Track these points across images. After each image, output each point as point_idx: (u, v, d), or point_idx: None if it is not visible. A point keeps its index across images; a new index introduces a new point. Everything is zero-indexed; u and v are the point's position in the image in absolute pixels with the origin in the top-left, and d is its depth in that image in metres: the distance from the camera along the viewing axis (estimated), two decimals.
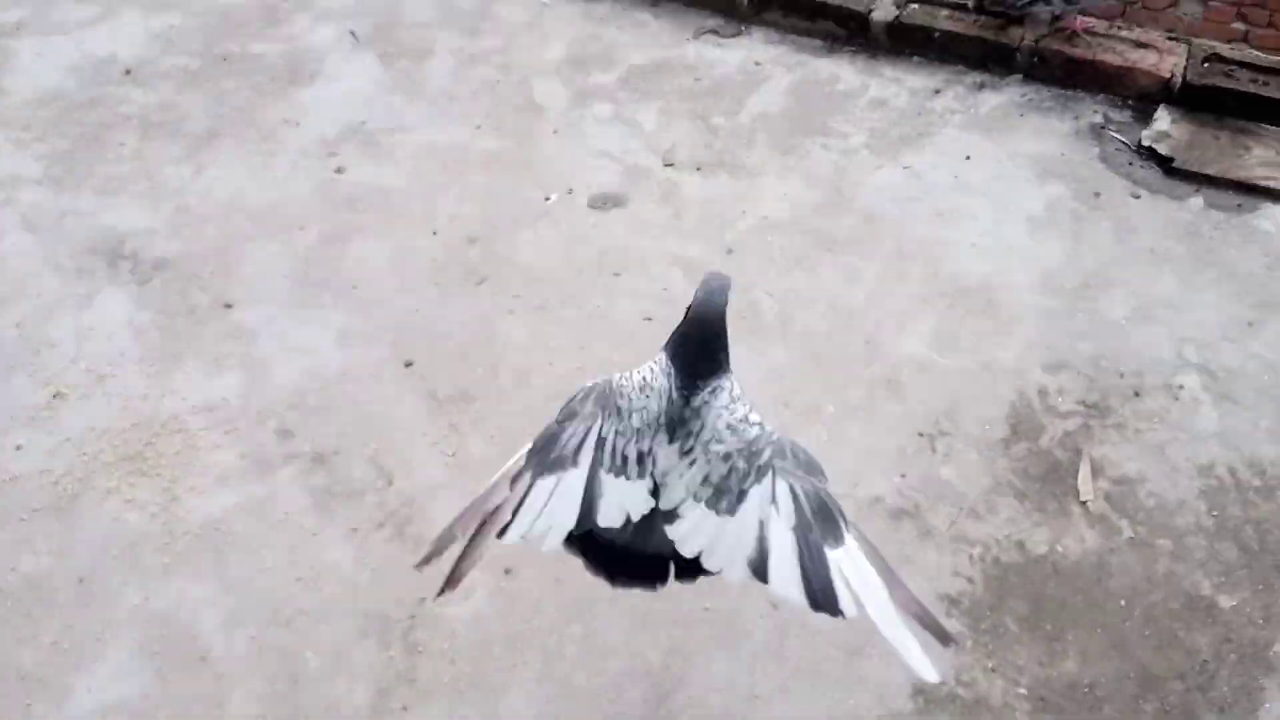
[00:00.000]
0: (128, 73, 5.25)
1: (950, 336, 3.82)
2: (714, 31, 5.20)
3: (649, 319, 3.97)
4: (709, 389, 2.18)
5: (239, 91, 5.08)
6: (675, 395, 2.18)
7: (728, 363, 2.25)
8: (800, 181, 4.43)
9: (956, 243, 4.14)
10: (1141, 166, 4.40)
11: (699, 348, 2.22)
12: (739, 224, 4.29)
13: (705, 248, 4.19)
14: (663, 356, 2.25)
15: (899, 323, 3.87)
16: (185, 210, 4.53)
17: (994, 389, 3.64)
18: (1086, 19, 4.79)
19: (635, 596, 3.07)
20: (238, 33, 5.41)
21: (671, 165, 4.55)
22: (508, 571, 3.19)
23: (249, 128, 4.88)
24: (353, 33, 5.36)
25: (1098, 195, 4.29)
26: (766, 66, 4.99)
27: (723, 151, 4.60)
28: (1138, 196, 4.28)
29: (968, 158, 4.48)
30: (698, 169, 4.54)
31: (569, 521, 2.14)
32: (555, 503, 2.13)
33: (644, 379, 2.22)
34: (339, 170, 4.66)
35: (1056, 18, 4.77)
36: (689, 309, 2.25)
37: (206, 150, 4.78)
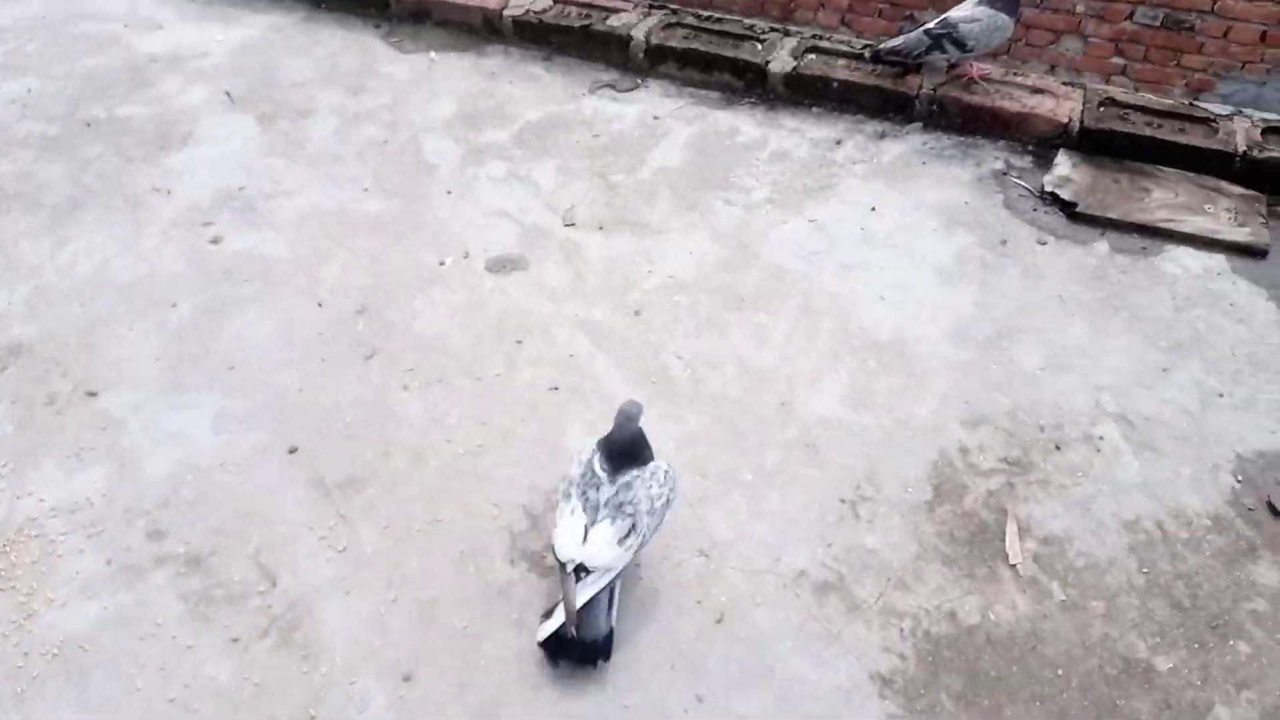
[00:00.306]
0: None
1: (864, 393, 3.69)
2: (610, 86, 5.07)
3: (554, 388, 3.75)
4: (634, 473, 2.94)
5: (104, 158, 4.74)
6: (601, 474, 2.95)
7: (650, 455, 3.02)
8: (705, 238, 4.29)
9: (865, 296, 4.04)
10: (1046, 212, 4.38)
11: (622, 453, 2.96)
12: (645, 284, 4.12)
13: (611, 310, 4.01)
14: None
15: (812, 381, 3.73)
16: (44, 289, 4.17)
17: (913, 447, 3.51)
18: (982, 66, 4.79)
19: (545, 699, 2.84)
20: (103, 96, 5.08)
21: (572, 225, 4.37)
22: (406, 679, 2.91)
23: (115, 197, 4.54)
24: (228, 93, 5.07)
25: (1004, 243, 4.24)
26: (665, 121, 4.87)
27: (624, 209, 4.44)
28: (1044, 243, 4.24)
29: (873, 209, 4.40)
30: (599, 228, 4.36)
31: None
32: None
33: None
34: (214, 240, 4.35)
35: (953, 65, 4.76)
36: (611, 433, 2.98)
37: (69, 222, 4.43)
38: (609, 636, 2.89)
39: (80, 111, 4.99)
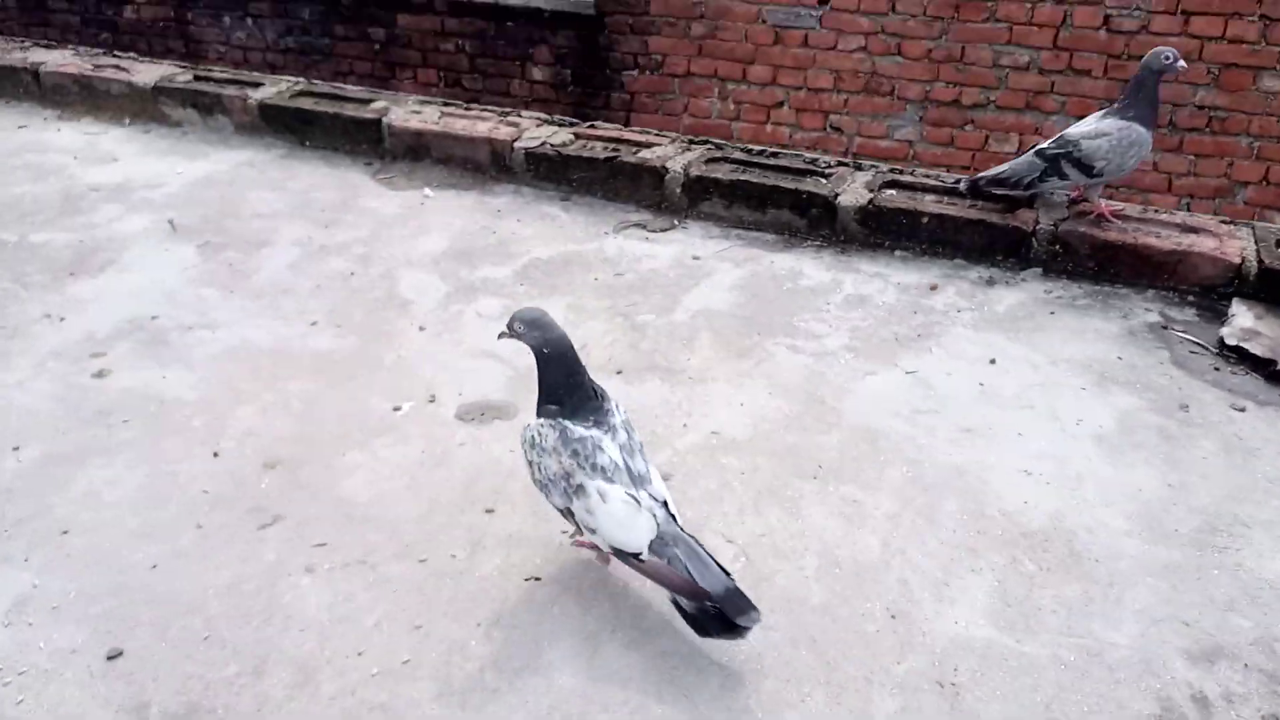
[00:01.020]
0: None
1: (1024, 606, 2.35)
2: (640, 225, 4.08)
3: (534, 579, 2.46)
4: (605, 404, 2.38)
5: None
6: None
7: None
8: (761, 388, 3.10)
9: (1001, 468, 2.78)
10: (1232, 372, 3.18)
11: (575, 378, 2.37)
12: (678, 441, 2.89)
13: None
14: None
15: (938, 585, 2.41)
16: None
17: (1118, 695, 2.13)
18: (1112, 203, 3.77)
19: None
20: (19, 221, 4.15)
21: None
22: None
23: None
24: (170, 221, 4.12)
25: (1185, 408, 3.01)
26: (708, 261, 3.82)
27: (652, 353, 3.30)
28: (1241, 409, 3.01)
29: (992, 361, 3.23)
30: (618, 372, 3.20)
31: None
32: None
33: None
34: (99, 374, 3.23)
35: (1074, 200, 3.74)
36: (541, 357, 2.35)
37: None
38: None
39: None
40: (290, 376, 3.21)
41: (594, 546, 2.41)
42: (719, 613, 2.18)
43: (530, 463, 2.38)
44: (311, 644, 2.31)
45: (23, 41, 5.78)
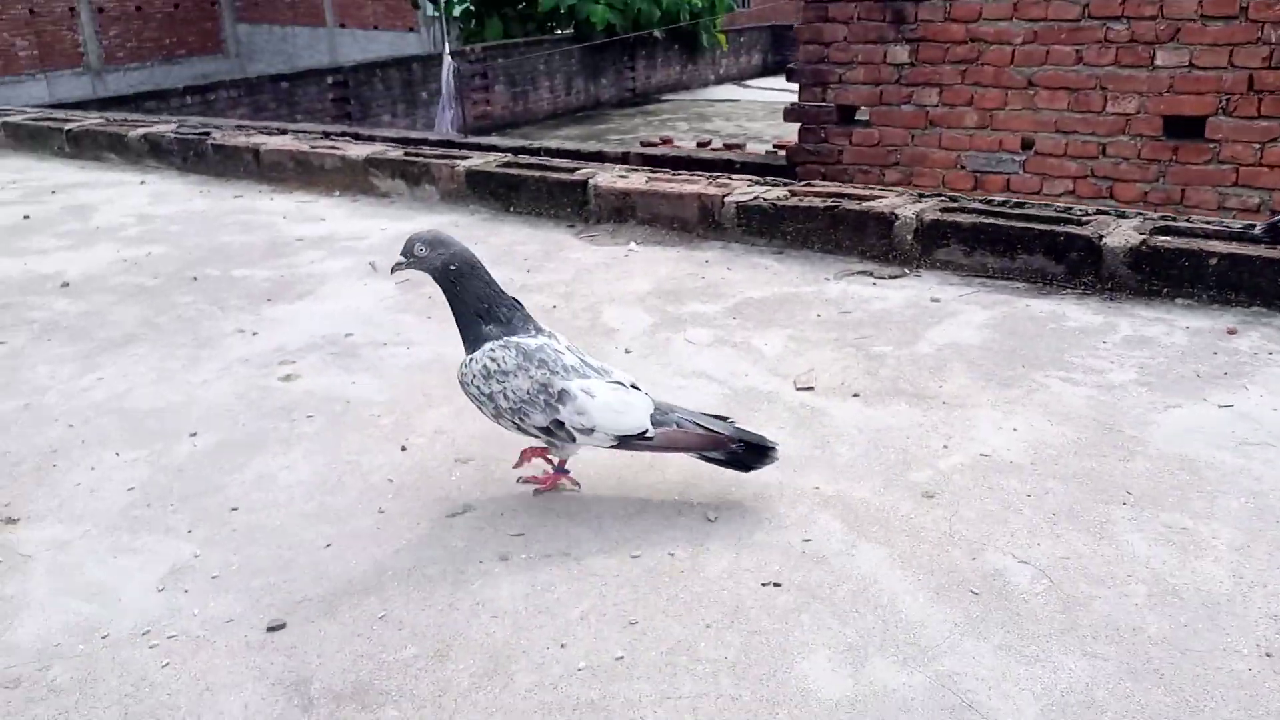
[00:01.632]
0: (65, 285, 3.91)
1: None
2: (865, 274, 3.68)
3: (774, 584, 1.96)
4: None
5: (193, 305, 3.64)
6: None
7: None
8: (1038, 416, 2.57)
9: None
10: None
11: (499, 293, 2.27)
12: (939, 461, 2.38)
13: (881, 488, 2.27)
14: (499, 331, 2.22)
15: None
16: (33, 408, 2.87)
17: None
18: None
19: None
20: (225, 261, 4.13)
21: (809, 389, 2.77)
22: None
23: (184, 336, 3.35)
24: (372, 264, 4.01)
25: None
26: (950, 303, 3.36)
27: (896, 379, 2.83)
28: None
29: None
30: (854, 395, 2.74)
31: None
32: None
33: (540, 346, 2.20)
34: (286, 378, 3.01)
35: None
36: (452, 277, 2.23)
37: (110, 353, 3.23)
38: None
39: (191, 270, 4.02)
40: None
41: (556, 478, 2.32)
42: (749, 447, 2.21)
43: (488, 395, 2.17)
44: (504, 632, 1.87)
45: (248, 129, 6.07)
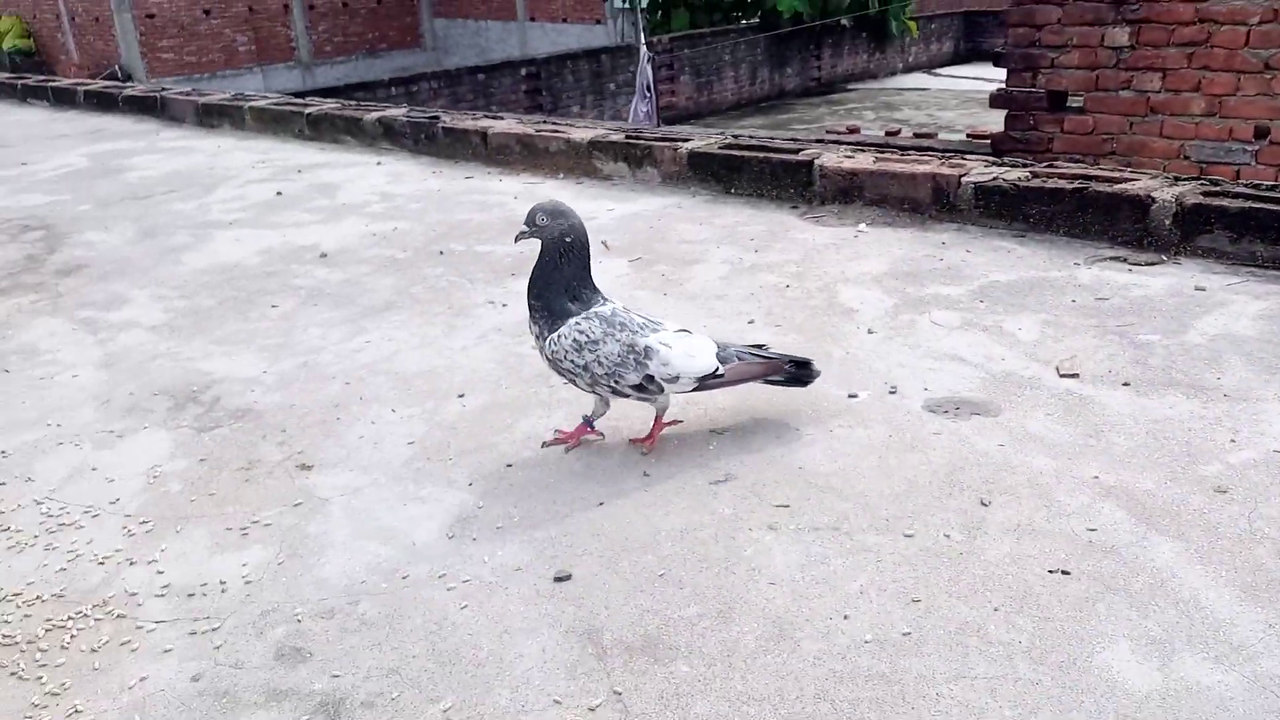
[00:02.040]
0: (323, 255, 4.21)
1: None
2: (1118, 259, 3.50)
3: (1062, 571, 1.90)
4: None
5: (443, 277, 3.84)
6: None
7: None
8: None
9: None
10: None
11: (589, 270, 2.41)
12: (1228, 456, 2.24)
13: (1167, 480, 2.16)
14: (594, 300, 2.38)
15: None
16: (311, 366, 3.10)
17: None
18: None
19: None
20: (465, 238, 4.33)
21: (1073, 376, 2.67)
22: None
23: (439, 305, 3.55)
24: (604, 242, 4.12)
25: None
26: (1217, 293, 3.16)
27: (1167, 369, 2.68)
28: None
29: None
30: (1124, 384, 2.61)
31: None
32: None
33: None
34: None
35: None
36: (563, 248, 2.35)
37: (372, 319, 3.45)
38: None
39: (436, 245, 4.24)
40: None
41: (582, 430, 2.48)
42: (798, 365, 2.48)
43: (583, 366, 2.31)
44: (784, 599, 1.89)
45: (474, 113, 6.34)
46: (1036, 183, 3.83)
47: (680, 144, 4.92)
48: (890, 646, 1.76)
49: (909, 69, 23.63)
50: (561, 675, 1.75)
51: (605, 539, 2.13)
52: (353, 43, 27.43)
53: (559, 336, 2.31)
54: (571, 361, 2.31)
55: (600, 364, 2.30)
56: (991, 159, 4.21)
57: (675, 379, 2.34)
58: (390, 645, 1.85)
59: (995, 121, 7.13)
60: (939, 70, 23.81)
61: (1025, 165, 4.09)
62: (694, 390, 2.39)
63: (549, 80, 18.85)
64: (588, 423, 2.49)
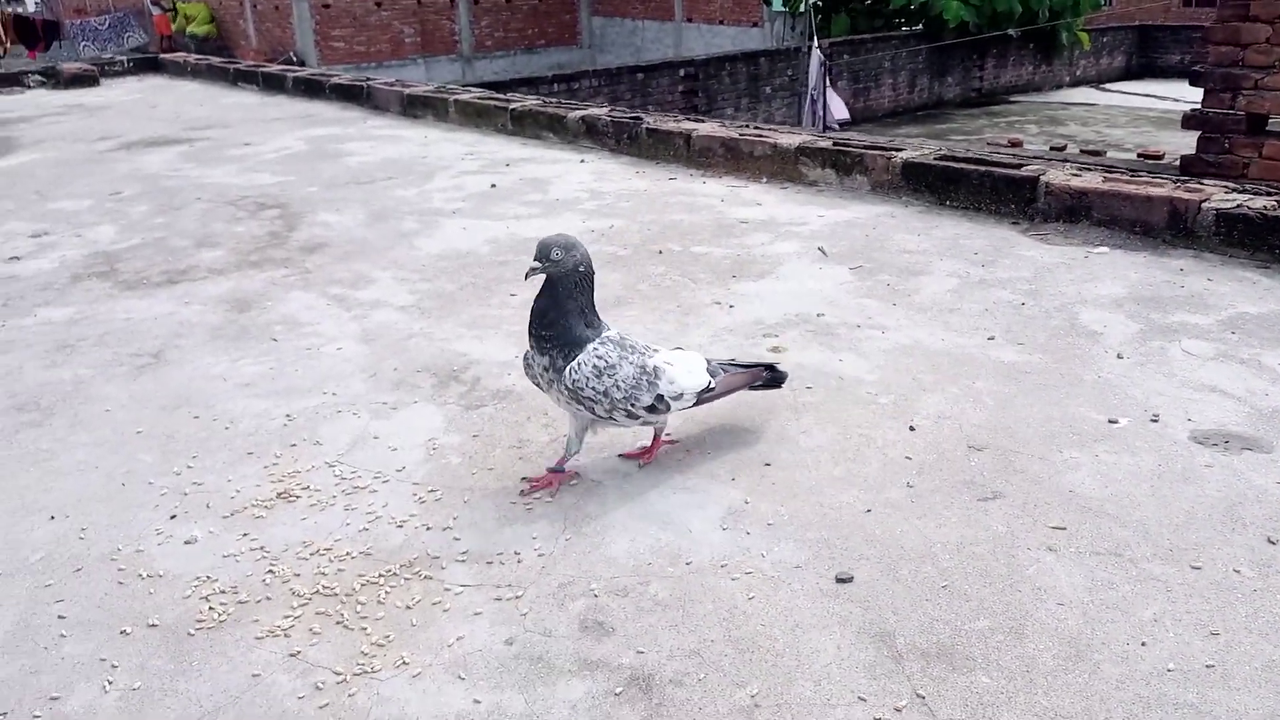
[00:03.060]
0: None
1: None
2: None
3: None
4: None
5: (666, 276, 3.96)
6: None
7: None
8: None
9: None
10: None
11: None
12: None
13: None
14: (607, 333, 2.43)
15: None
16: None
17: None
18: None
19: None
20: (680, 237, 4.44)
21: None
22: None
23: (668, 303, 3.66)
24: (821, 249, 4.16)
25: None
26: None
27: None
28: None
29: None
30: None
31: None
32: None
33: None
34: (775, 349, 3.21)
35: None
36: (578, 279, 2.37)
37: (607, 313, 3.57)
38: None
39: (654, 244, 4.36)
40: (974, 377, 2.94)
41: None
42: (771, 370, 2.68)
43: (603, 393, 2.34)
44: (1075, 621, 1.91)
45: (674, 115, 6.46)
46: None
47: (893, 154, 4.91)
48: (1195, 678, 1.76)
49: (1075, 83, 22.76)
50: (861, 674, 1.81)
51: (879, 545, 2.18)
52: (512, 38, 28.20)
53: (579, 365, 2.33)
54: (592, 389, 2.32)
55: (618, 388, 2.34)
56: (1231, 185, 4.06)
57: (679, 396, 2.43)
58: (687, 627, 1.95)
59: (1169, 142, 6.89)
60: (1108, 86, 22.84)
61: (1270, 193, 3.93)
62: (692, 406, 2.48)
63: (705, 81, 18.93)
64: (558, 468, 2.50)
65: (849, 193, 5.04)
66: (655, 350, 2.47)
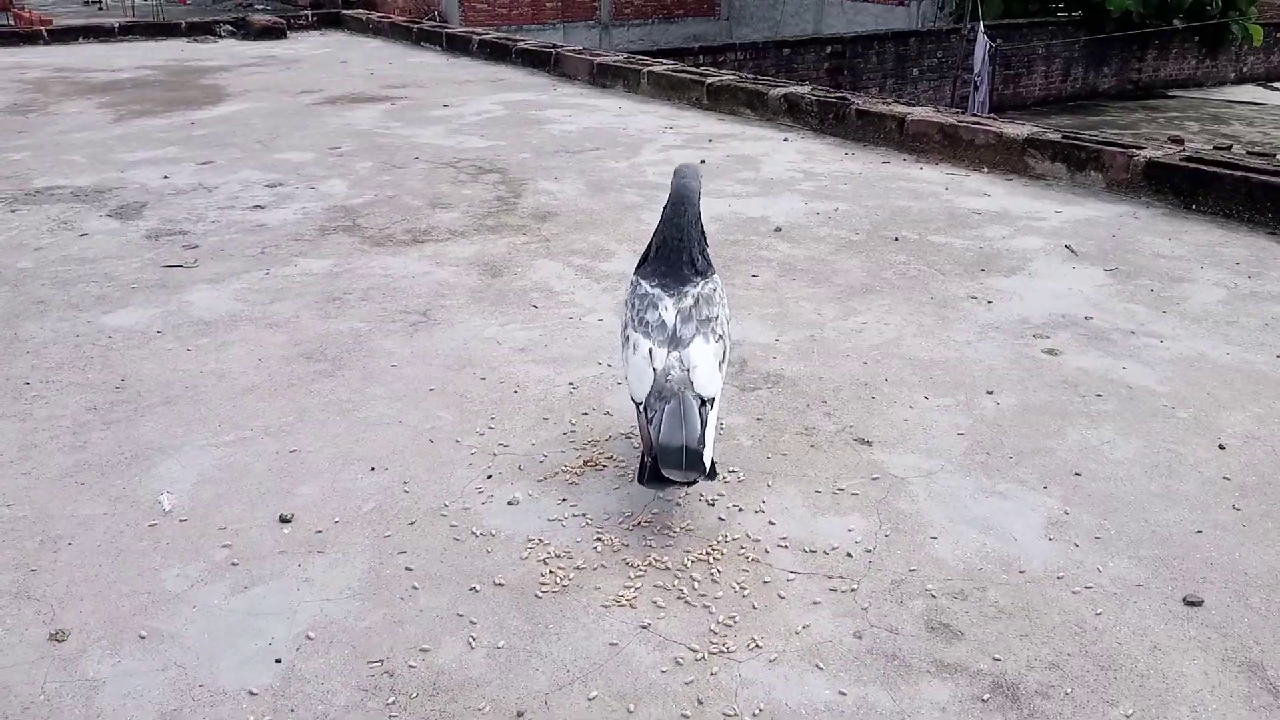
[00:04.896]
0: (777, 229, 4.36)
1: None
2: None
3: None
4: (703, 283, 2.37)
5: (910, 265, 3.90)
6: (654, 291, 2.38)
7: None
8: None
9: None
10: None
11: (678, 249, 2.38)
12: None
13: None
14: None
15: None
16: (819, 340, 3.24)
17: None
18: None
19: None
20: (913, 225, 4.37)
21: None
22: None
23: (919, 294, 3.60)
24: (1069, 246, 4.04)
25: None
26: None
27: None
28: None
29: None
30: None
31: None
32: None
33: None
34: (1050, 351, 3.13)
35: None
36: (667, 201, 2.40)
37: (857, 299, 3.56)
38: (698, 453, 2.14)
39: (887, 230, 4.30)
40: (1275, 397, 2.82)
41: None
42: (652, 463, 2.17)
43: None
44: None
45: (885, 98, 6.34)
46: None
47: (1135, 151, 4.71)
48: None
49: (1241, 79, 21.44)
50: (1239, 704, 1.76)
51: (1220, 569, 2.11)
52: (651, 6, 28.04)
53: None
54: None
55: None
56: None
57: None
58: (1038, 638, 1.93)
59: None
60: (1277, 84, 21.45)
61: None
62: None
63: (852, 60, 18.57)
64: None
65: (1081, 189, 4.86)
66: (658, 332, 2.28)
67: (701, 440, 2.14)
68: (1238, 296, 3.54)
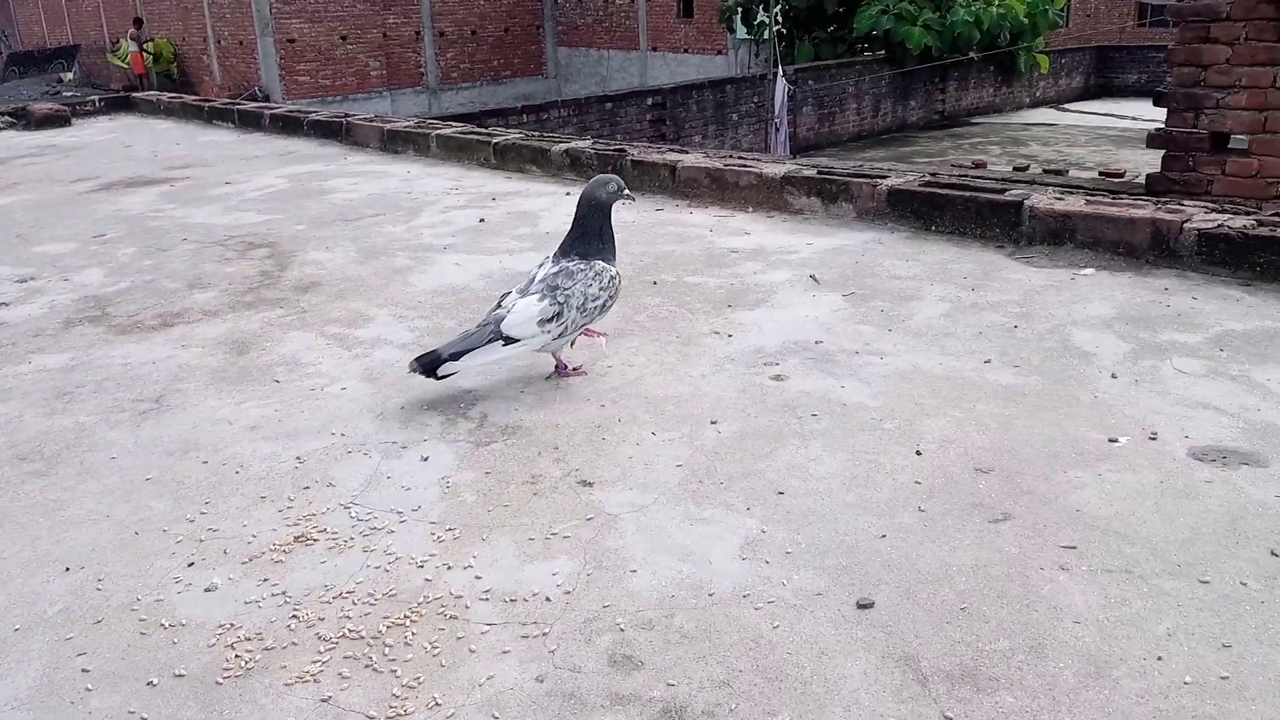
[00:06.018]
0: None
1: None
2: None
3: None
4: (578, 264, 3.21)
5: (663, 307, 4.00)
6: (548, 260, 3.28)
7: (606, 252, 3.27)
8: None
9: None
10: None
11: (577, 233, 3.28)
12: None
13: None
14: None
15: None
16: (563, 388, 3.29)
17: None
18: None
19: None
20: (673, 268, 4.50)
21: None
22: None
23: (667, 334, 3.70)
24: (812, 276, 4.23)
25: None
26: None
27: None
28: None
29: None
30: None
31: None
32: None
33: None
34: (777, 378, 3.26)
35: None
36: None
37: (610, 344, 3.63)
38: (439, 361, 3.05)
39: (648, 275, 4.41)
40: (975, 400, 3.00)
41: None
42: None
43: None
44: (1092, 638, 1.96)
45: (659, 146, 6.54)
46: (1264, 231, 3.79)
47: (879, 181, 5.00)
48: (1211, 689, 1.81)
49: (1036, 104, 23.14)
50: (889, 698, 1.85)
51: (896, 570, 2.22)
52: (478, 69, 28.35)
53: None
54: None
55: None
56: (1210, 205, 4.18)
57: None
58: (715, 658, 1.98)
59: (1129, 159, 7.07)
60: (1067, 106, 23.25)
61: (1248, 213, 4.05)
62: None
63: (673, 110, 19.10)
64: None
65: (835, 220, 5.12)
66: (521, 284, 3.24)
67: (454, 356, 3.01)
68: (959, 309, 3.78)
